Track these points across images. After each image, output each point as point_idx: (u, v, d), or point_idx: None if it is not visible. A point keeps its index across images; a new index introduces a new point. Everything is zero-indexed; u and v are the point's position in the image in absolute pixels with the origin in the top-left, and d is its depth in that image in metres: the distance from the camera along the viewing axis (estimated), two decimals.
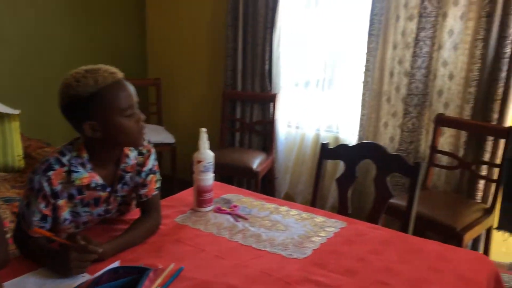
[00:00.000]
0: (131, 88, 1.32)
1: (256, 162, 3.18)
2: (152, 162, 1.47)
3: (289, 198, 3.40)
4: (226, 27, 3.46)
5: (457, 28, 2.61)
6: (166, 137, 3.62)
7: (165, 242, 1.40)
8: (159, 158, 3.86)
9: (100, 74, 1.25)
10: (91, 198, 1.37)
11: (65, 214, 1.34)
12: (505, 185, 2.21)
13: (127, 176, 1.43)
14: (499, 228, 2.27)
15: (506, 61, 2.47)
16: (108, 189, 1.40)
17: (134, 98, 1.32)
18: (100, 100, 1.25)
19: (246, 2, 3.34)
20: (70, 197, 1.33)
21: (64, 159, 1.30)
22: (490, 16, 2.48)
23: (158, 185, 1.50)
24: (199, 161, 1.60)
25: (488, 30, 2.49)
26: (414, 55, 2.73)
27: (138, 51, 4.17)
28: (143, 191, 1.46)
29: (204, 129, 1.60)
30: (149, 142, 1.48)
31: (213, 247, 1.37)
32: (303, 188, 3.39)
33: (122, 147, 1.38)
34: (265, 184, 3.42)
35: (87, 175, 1.32)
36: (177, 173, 3.66)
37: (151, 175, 1.47)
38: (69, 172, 1.30)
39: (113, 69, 1.30)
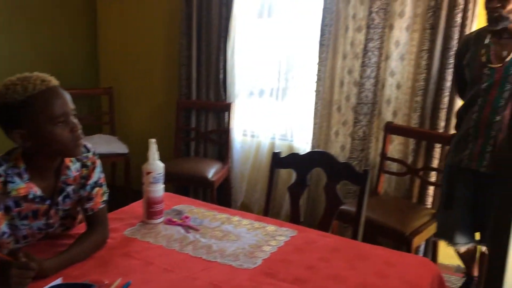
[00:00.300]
0: (66, 96, 1.29)
1: (212, 171, 3.16)
2: (97, 175, 1.44)
3: (246, 206, 3.40)
4: (180, 35, 3.44)
5: (403, 39, 2.70)
6: (119, 147, 3.54)
7: (112, 256, 1.36)
8: (112, 168, 3.80)
9: (30, 82, 1.23)
10: (29, 210, 1.33)
11: (3, 227, 1.29)
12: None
13: (69, 189, 1.39)
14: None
15: (450, 71, 2.57)
16: (48, 202, 1.35)
17: (69, 106, 1.29)
18: (29, 108, 1.22)
19: (200, 11, 3.33)
20: (7, 209, 1.29)
21: (0, 170, 1.25)
22: (434, 28, 2.58)
23: (104, 198, 1.46)
24: (149, 172, 1.58)
25: (432, 42, 2.60)
26: (363, 65, 2.81)
27: (89, 59, 4.06)
28: (88, 205, 1.42)
29: (153, 140, 1.58)
30: (94, 153, 1.44)
31: (162, 260, 1.35)
32: (259, 196, 3.40)
33: (57, 156, 1.34)
34: (221, 194, 3.40)
35: (24, 186, 1.28)
36: (131, 184, 3.58)
37: (96, 188, 1.43)
38: (5, 183, 1.26)
39: (46, 76, 1.27)
